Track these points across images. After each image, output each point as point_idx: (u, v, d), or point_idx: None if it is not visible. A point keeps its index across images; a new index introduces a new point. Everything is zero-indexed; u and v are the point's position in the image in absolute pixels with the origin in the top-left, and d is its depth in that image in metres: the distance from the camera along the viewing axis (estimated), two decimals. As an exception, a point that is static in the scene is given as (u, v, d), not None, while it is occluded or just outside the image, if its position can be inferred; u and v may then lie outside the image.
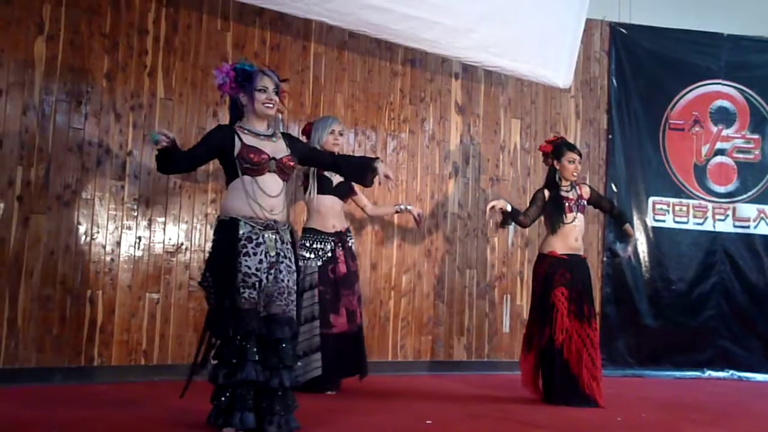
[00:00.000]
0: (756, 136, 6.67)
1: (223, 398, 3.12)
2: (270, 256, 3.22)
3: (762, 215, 6.57)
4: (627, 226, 4.96)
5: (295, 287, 3.31)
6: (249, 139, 3.27)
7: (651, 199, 6.50)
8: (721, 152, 6.63)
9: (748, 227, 6.56)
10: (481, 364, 5.88)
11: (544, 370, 4.45)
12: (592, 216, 5.97)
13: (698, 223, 6.52)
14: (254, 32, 5.23)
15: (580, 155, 4.65)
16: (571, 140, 6.09)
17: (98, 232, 4.64)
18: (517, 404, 4.37)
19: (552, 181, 4.62)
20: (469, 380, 5.34)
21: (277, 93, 3.32)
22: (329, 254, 4.48)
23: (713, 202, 6.55)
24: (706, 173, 6.59)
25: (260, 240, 3.21)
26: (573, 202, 4.58)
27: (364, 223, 5.52)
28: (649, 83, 6.55)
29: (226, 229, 3.22)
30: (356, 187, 4.74)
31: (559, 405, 4.29)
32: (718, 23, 6.64)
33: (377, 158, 3.67)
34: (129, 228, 4.74)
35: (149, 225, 4.80)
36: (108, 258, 4.66)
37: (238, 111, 3.37)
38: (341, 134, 4.66)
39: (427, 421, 3.69)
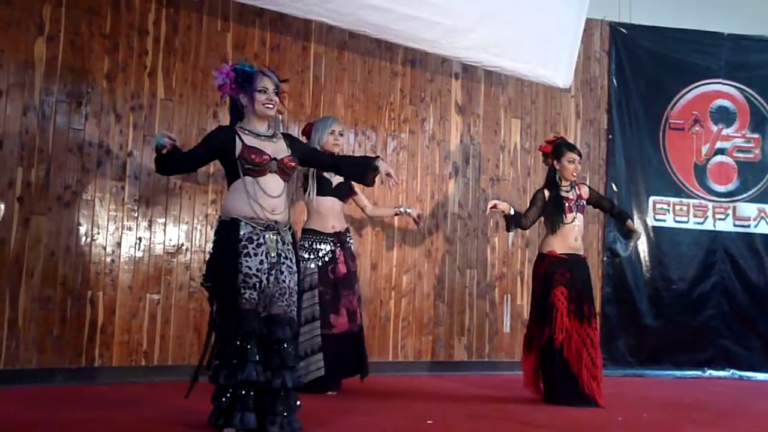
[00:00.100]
0: (756, 136, 6.67)
1: (223, 398, 3.12)
2: (271, 256, 3.22)
3: (762, 214, 6.57)
4: (629, 222, 4.97)
5: (296, 288, 3.32)
6: (250, 140, 3.27)
7: (651, 199, 6.50)
8: (721, 152, 6.63)
9: (749, 226, 6.56)
10: (482, 364, 5.88)
11: (545, 370, 4.45)
12: (592, 216, 5.97)
13: (698, 223, 6.52)
14: (254, 33, 5.23)
15: (580, 155, 4.65)
16: (571, 140, 6.09)
17: (99, 233, 4.64)
18: (518, 404, 4.37)
19: (552, 181, 4.62)
20: (470, 380, 5.34)
21: (277, 93, 3.33)
22: (329, 255, 4.48)
23: (713, 201, 6.55)
24: (706, 173, 6.59)
25: (261, 241, 3.21)
26: (573, 202, 4.58)
27: (365, 223, 5.52)
28: (649, 83, 6.54)
29: (227, 230, 3.22)
30: (356, 187, 4.74)
31: (559, 405, 4.29)
32: (718, 23, 6.64)
33: (377, 157, 3.67)
34: (129, 229, 4.74)
35: (150, 226, 4.81)
36: (108, 259, 4.66)
37: (238, 112, 3.38)
38: (341, 134, 4.66)
39: (428, 422, 3.69)
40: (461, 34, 5.34)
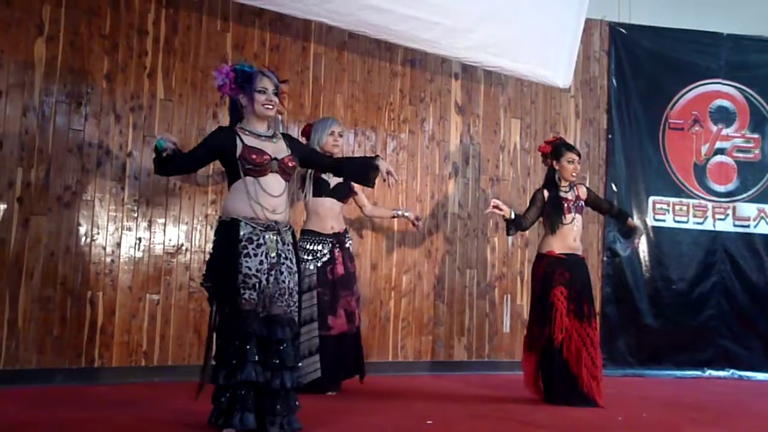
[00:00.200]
0: (756, 136, 6.67)
1: (223, 399, 3.12)
2: (271, 257, 3.22)
3: (762, 214, 6.57)
4: (630, 220, 4.97)
5: (296, 288, 3.32)
6: (250, 141, 3.27)
7: (651, 199, 6.50)
8: (721, 151, 6.63)
9: (748, 226, 6.56)
10: (482, 364, 5.88)
11: (544, 370, 4.45)
12: (592, 216, 5.97)
13: (698, 223, 6.52)
14: (254, 33, 5.23)
15: (579, 155, 4.65)
16: (571, 140, 6.10)
17: (98, 234, 4.64)
18: (518, 404, 4.37)
19: (551, 182, 4.62)
20: (470, 380, 5.34)
21: (276, 94, 3.33)
22: (327, 256, 4.48)
23: (713, 201, 6.55)
24: (706, 173, 6.59)
25: (261, 241, 3.21)
26: (572, 203, 4.58)
27: (365, 223, 5.52)
28: (648, 83, 6.55)
29: (227, 230, 3.22)
30: (356, 186, 4.74)
31: (559, 405, 4.29)
32: (718, 23, 6.64)
33: (377, 156, 3.67)
34: (129, 229, 4.74)
35: (149, 226, 4.81)
36: (108, 259, 4.66)
37: (237, 112, 3.38)
38: (341, 135, 4.66)
39: (428, 422, 3.69)
40: (461, 35, 5.34)
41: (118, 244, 4.70)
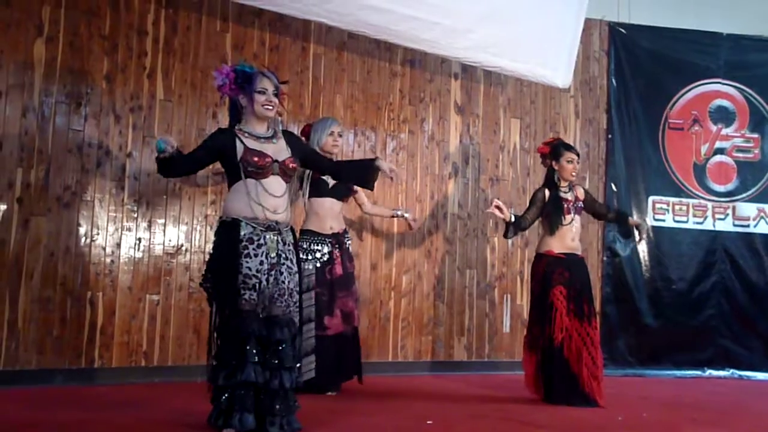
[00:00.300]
0: (755, 135, 6.67)
1: (223, 399, 3.12)
2: (271, 257, 3.22)
3: (762, 214, 6.57)
4: (630, 219, 4.96)
5: (297, 288, 3.32)
6: (251, 143, 3.26)
7: (651, 199, 6.50)
8: (720, 151, 6.63)
9: (748, 226, 6.56)
10: (482, 364, 5.88)
11: (545, 370, 4.45)
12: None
13: (698, 223, 6.52)
14: (253, 33, 5.23)
15: (577, 155, 4.65)
16: (570, 140, 6.12)
17: (98, 234, 4.64)
18: (518, 404, 4.37)
19: (551, 182, 4.62)
20: (470, 380, 5.34)
21: (276, 95, 3.32)
22: (326, 256, 4.47)
23: (713, 201, 6.55)
24: (705, 172, 6.60)
25: (261, 241, 3.21)
26: (571, 203, 4.58)
27: (364, 224, 5.52)
28: (648, 83, 6.55)
29: (228, 230, 3.22)
30: None
31: (559, 405, 4.29)
32: (718, 22, 6.65)
33: (376, 158, 3.67)
34: (129, 229, 4.74)
35: (149, 226, 4.81)
36: (108, 259, 4.66)
37: (237, 112, 3.37)
38: (340, 135, 4.66)
39: (428, 422, 3.69)
40: (461, 35, 5.34)
41: (118, 245, 4.70)
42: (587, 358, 4.35)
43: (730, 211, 6.56)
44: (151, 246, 4.80)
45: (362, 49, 5.64)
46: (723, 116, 6.65)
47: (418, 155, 5.84)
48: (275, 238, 3.25)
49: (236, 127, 3.33)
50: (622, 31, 6.54)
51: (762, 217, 6.56)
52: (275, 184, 3.26)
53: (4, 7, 4.43)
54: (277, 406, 3.13)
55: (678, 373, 6.23)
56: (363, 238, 5.53)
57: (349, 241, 4.66)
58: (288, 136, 3.47)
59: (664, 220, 6.48)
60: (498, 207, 4.39)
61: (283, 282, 3.24)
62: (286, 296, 3.24)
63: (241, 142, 3.25)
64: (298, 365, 3.30)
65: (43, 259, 4.45)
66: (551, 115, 6.37)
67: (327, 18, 4.91)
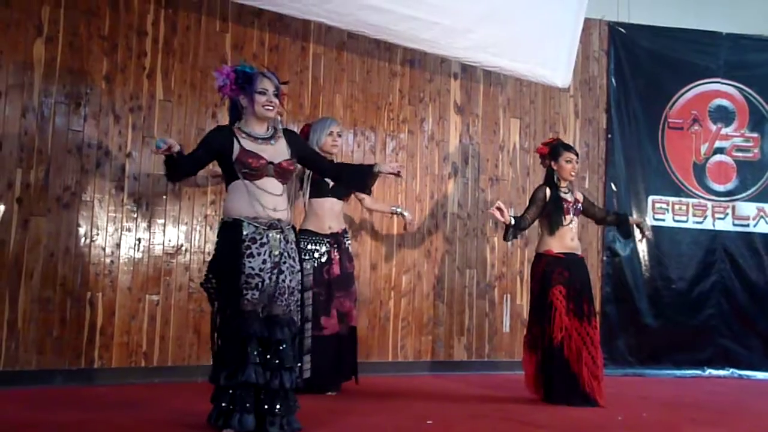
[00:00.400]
0: (755, 135, 6.67)
1: (223, 399, 3.12)
2: (274, 255, 3.21)
3: (761, 214, 6.57)
4: (630, 218, 4.96)
5: (298, 287, 3.32)
6: (248, 144, 3.26)
7: (650, 198, 6.50)
8: (720, 151, 6.63)
9: (748, 226, 6.56)
10: (482, 364, 5.88)
11: (545, 369, 4.45)
12: (592, 215, 5.97)
13: (698, 222, 6.52)
14: (253, 33, 5.23)
15: (576, 155, 4.65)
16: (570, 140, 6.12)
17: (98, 234, 4.64)
18: (518, 404, 4.37)
19: (550, 182, 4.61)
20: (470, 380, 5.34)
21: (277, 95, 3.32)
22: (324, 256, 4.47)
23: (713, 200, 6.56)
24: (705, 172, 6.60)
25: (264, 240, 3.20)
26: (570, 204, 4.58)
27: (364, 223, 5.52)
28: (648, 82, 6.55)
29: (229, 231, 3.22)
30: None
31: (559, 404, 4.28)
32: (717, 22, 6.65)
33: (375, 164, 3.66)
34: (129, 230, 4.74)
35: (149, 227, 4.81)
36: (108, 260, 4.66)
37: (237, 113, 3.37)
38: (339, 135, 4.66)
39: (428, 422, 3.69)
40: (460, 34, 5.34)
41: (118, 245, 4.70)
42: (587, 358, 4.35)
43: (729, 211, 6.56)
44: (151, 246, 4.80)
45: (362, 49, 5.64)
46: (723, 116, 6.65)
47: (418, 155, 5.84)
48: (278, 236, 3.24)
49: (235, 126, 3.33)
50: (622, 30, 6.54)
51: (762, 217, 6.56)
52: (270, 184, 3.25)
53: (3, 7, 4.43)
54: (278, 406, 3.13)
55: (678, 372, 6.23)
56: (363, 238, 5.53)
57: (348, 241, 4.65)
58: (289, 135, 3.46)
59: (663, 220, 6.48)
60: (499, 209, 4.36)
61: (283, 281, 3.23)
62: (286, 295, 3.23)
63: (238, 142, 3.25)
64: (299, 365, 3.31)
65: (42, 259, 4.45)
66: (551, 114, 6.37)
67: (326, 18, 4.91)
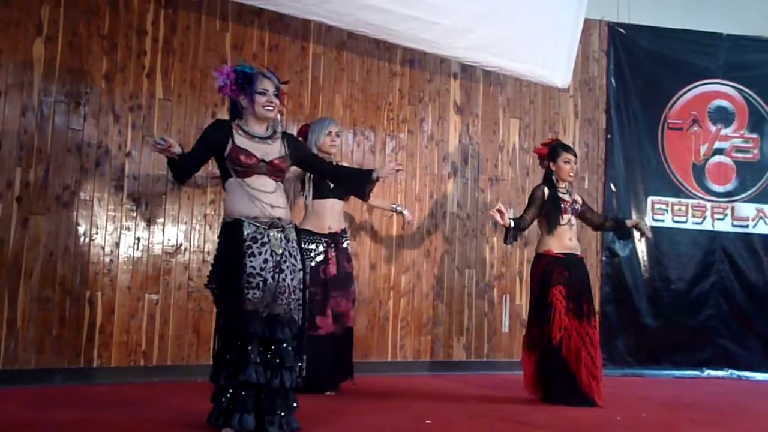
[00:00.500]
0: (755, 136, 6.68)
1: (223, 399, 3.13)
2: (276, 254, 3.21)
3: (761, 214, 6.57)
4: (629, 220, 4.96)
5: (300, 286, 3.31)
6: (242, 141, 3.26)
7: (650, 199, 6.50)
8: (719, 152, 6.63)
9: (747, 226, 6.56)
10: (481, 363, 5.88)
11: (544, 369, 4.45)
12: (592, 215, 5.97)
13: (697, 223, 6.53)
14: (253, 33, 5.23)
15: (575, 156, 4.65)
16: (569, 140, 6.12)
17: (97, 233, 4.64)
18: (517, 404, 4.37)
19: (549, 182, 4.62)
20: (469, 380, 5.35)
21: (277, 95, 3.32)
22: (321, 255, 4.47)
23: (712, 201, 6.56)
24: (704, 173, 6.60)
25: (265, 239, 3.20)
26: (569, 204, 4.58)
27: (364, 223, 5.52)
28: (647, 83, 6.55)
29: (230, 231, 3.21)
30: None
31: (558, 404, 4.29)
32: (717, 23, 6.65)
33: (374, 170, 3.65)
34: (128, 229, 4.74)
35: (148, 226, 4.81)
36: (107, 259, 4.66)
37: (237, 113, 3.37)
38: (338, 135, 4.66)
39: (427, 421, 3.69)
40: (460, 34, 5.34)
41: (117, 244, 4.70)
42: (586, 358, 4.35)
43: (729, 212, 6.56)
44: (150, 245, 4.80)
45: (362, 49, 5.64)
46: (722, 116, 6.65)
47: (418, 155, 5.84)
48: (279, 235, 3.24)
49: (235, 122, 3.33)
50: (622, 31, 6.54)
51: (761, 218, 6.57)
52: (260, 181, 3.24)
53: (3, 6, 4.43)
54: (278, 406, 3.14)
55: (677, 373, 6.23)
56: (362, 238, 5.53)
57: (347, 241, 4.64)
58: (288, 138, 3.44)
59: (663, 221, 6.49)
60: (500, 211, 4.35)
61: (284, 280, 3.23)
62: (287, 294, 3.23)
63: (233, 138, 3.25)
64: (299, 364, 3.30)
65: (42, 258, 4.45)
66: (550, 115, 6.37)
67: (326, 18, 4.91)
